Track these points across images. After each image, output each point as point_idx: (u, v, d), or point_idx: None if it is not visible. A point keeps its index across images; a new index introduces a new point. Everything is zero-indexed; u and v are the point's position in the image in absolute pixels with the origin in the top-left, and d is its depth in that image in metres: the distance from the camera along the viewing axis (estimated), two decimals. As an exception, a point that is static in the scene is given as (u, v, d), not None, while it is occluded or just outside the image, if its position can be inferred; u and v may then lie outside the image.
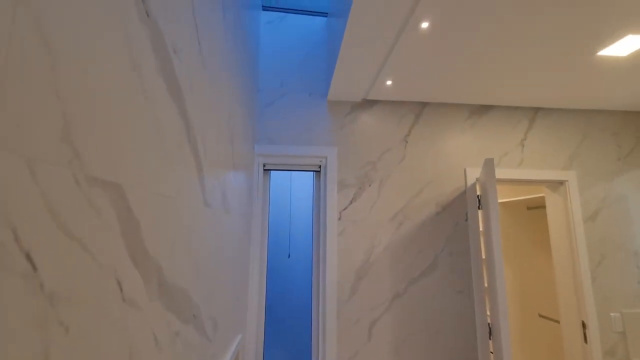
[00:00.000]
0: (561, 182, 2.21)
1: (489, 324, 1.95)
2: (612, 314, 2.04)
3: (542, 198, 2.74)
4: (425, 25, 1.38)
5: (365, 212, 2.03)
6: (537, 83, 1.91)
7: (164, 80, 0.58)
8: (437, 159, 2.14)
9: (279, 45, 2.18)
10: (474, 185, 2.11)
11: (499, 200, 3.15)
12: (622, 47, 1.50)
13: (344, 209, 2.02)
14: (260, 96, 2.09)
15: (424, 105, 2.21)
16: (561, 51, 1.56)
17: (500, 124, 2.24)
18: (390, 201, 2.05)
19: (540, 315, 2.88)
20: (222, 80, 1.07)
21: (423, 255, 2.02)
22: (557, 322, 2.71)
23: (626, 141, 2.30)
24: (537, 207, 2.98)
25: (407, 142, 2.14)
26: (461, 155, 2.16)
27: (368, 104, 2.16)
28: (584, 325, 2.03)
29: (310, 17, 2.24)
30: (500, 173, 2.15)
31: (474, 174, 2.13)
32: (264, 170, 2.08)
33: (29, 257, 0.29)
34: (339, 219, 2.00)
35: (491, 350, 1.90)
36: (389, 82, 1.92)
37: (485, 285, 2.09)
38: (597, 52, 1.56)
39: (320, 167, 2.11)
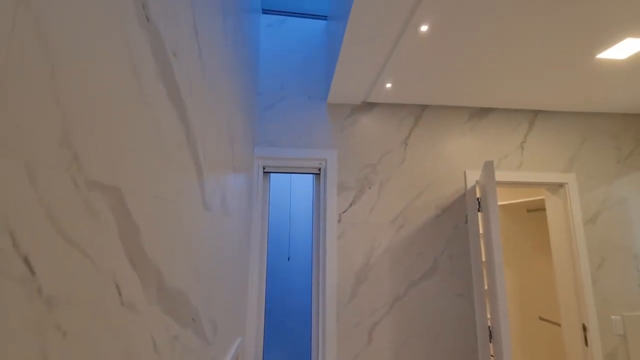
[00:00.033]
0: (561, 185, 2.22)
1: (489, 327, 1.94)
2: (612, 316, 2.03)
3: (542, 200, 2.73)
4: (424, 28, 1.38)
5: (365, 214, 2.03)
6: (536, 86, 1.92)
7: (163, 85, 0.58)
8: (437, 161, 2.14)
9: (279, 49, 2.18)
10: (473, 187, 2.11)
11: (499, 203, 3.14)
12: (621, 50, 1.51)
13: (343, 212, 2.02)
14: (260, 99, 2.10)
15: (423, 107, 2.21)
16: (560, 54, 1.57)
17: (500, 126, 2.24)
18: (390, 204, 2.05)
19: (541, 318, 2.87)
20: (222, 84, 1.07)
21: (423, 258, 2.02)
22: (558, 324, 2.70)
23: (626, 144, 2.30)
24: (537, 209, 2.98)
25: (407, 144, 2.14)
26: (461, 158, 2.16)
27: (368, 106, 2.17)
28: (584, 328, 2.02)
29: (310, 20, 2.25)
30: (500, 175, 2.15)
31: (473, 176, 2.13)
32: (264, 172, 2.08)
33: (27, 262, 0.29)
34: (339, 221, 2.00)
35: (492, 353, 1.90)
36: (388, 85, 1.92)
37: (486, 287, 2.08)
38: (595, 55, 1.56)
39: (320, 169, 2.11)
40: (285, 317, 3.00)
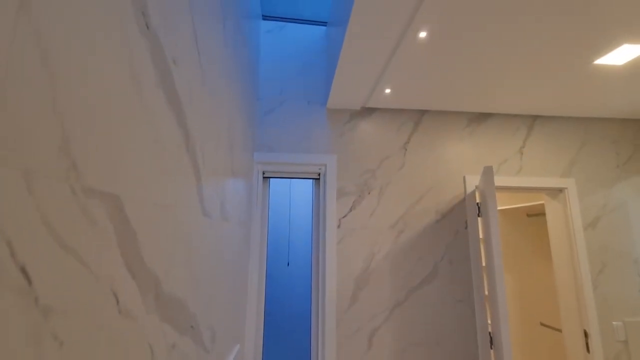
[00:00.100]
0: (560, 190, 2.22)
1: (490, 332, 1.93)
2: (614, 322, 2.02)
3: (542, 205, 2.73)
4: (423, 34, 1.39)
5: (364, 219, 2.02)
6: (535, 91, 1.93)
7: (163, 92, 0.58)
8: (436, 166, 2.14)
9: (279, 54, 2.20)
10: (473, 192, 2.11)
11: (499, 208, 3.14)
12: (618, 56, 1.52)
13: (343, 217, 2.01)
14: (260, 104, 2.11)
15: (423, 112, 2.22)
16: (558, 60, 1.58)
17: (499, 131, 2.25)
18: (389, 209, 2.05)
19: (542, 324, 2.86)
20: (221, 90, 1.08)
21: (423, 263, 2.01)
22: (559, 330, 2.68)
23: (624, 148, 2.31)
24: (537, 214, 2.97)
25: (406, 149, 2.14)
26: (460, 163, 2.17)
27: (367, 111, 2.18)
28: (586, 335, 2.01)
29: (310, 26, 2.27)
30: (499, 181, 2.15)
31: (473, 181, 2.13)
32: (263, 178, 2.08)
33: (24, 271, 0.29)
34: (339, 226, 2.00)
35: (492, 359, 1.88)
36: (387, 90, 1.93)
37: (486, 293, 2.07)
38: (593, 61, 1.57)
39: (319, 174, 2.11)
40: (284, 322, 2.98)
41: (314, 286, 2.04)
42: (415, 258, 2.01)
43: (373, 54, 1.55)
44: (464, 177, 2.14)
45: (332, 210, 2.00)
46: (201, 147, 0.84)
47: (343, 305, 1.91)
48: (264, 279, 1.98)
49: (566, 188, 2.19)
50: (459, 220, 2.08)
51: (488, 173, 1.76)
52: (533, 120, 2.29)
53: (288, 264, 3.06)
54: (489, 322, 1.97)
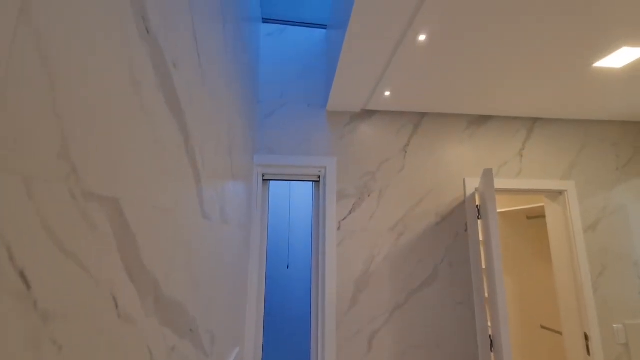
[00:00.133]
0: (560, 192, 2.22)
1: (490, 335, 1.92)
2: (614, 325, 2.02)
3: (542, 207, 2.73)
4: (422, 37, 1.40)
5: (364, 222, 2.02)
6: (534, 93, 1.93)
7: (163, 95, 0.58)
8: (436, 169, 2.14)
9: (279, 57, 2.20)
10: (473, 195, 2.11)
11: (499, 210, 3.14)
12: (617, 59, 1.52)
13: (343, 219, 2.01)
14: (260, 107, 2.11)
15: (422, 115, 2.22)
16: (557, 62, 1.58)
17: (499, 134, 2.25)
18: (389, 211, 2.05)
19: (542, 327, 2.85)
20: (221, 92, 1.08)
21: (423, 265, 2.01)
22: (559, 333, 2.67)
23: (624, 151, 2.31)
24: (537, 216, 2.97)
25: (406, 152, 2.15)
26: (460, 165, 2.17)
27: (367, 114, 2.18)
28: (586, 337, 2.00)
29: (310, 29, 2.28)
30: (499, 183, 2.16)
31: (473, 184, 2.13)
32: (263, 180, 2.08)
33: (22, 276, 0.29)
34: (338, 229, 2.00)
35: (493, 363, 1.88)
36: (387, 93, 1.93)
37: (486, 295, 2.07)
38: (592, 63, 1.58)
39: (319, 177, 2.11)
40: (284, 325, 2.98)
41: (314, 289, 2.03)
42: (415, 260, 2.01)
43: (373, 57, 1.55)
44: (464, 180, 2.14)
45: (332, 213, 2.00)
46: (201, 149, 0.85)
47: (343, 307, 1.91)
48: (264, 281, 1.98)
49: (566, 190, 2.19)
50: (459, 222, 2.08)
51: (488, 175, 1.76)
52: (533, 122, 2.29)
53: (288, 267, 3.06)
54: (489, 324, 1.96)
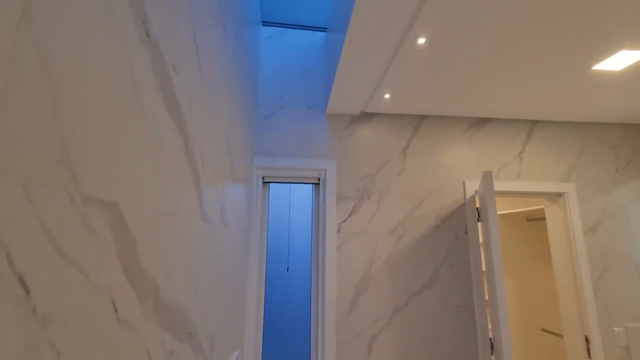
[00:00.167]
0: (560, 194, 2.22)
1: (490, 338, 1.92)
2: (615, 328, 2.01)
3: (542, 210, 2.73)
4: (422, 40, 1.40)
5: (364, 224, 2.02)
6: (533, 96, 1.93)
7: (163, 99, 0.59)
8: (436, 171, 2.14)
9: (279, 60, 2.21)
10: (473, 197, 2.11)
11: (499, 212, 3.14)
12: (616, 62, 1.53)
13: (343, 222, 2.01)
14: (260, 109, 2.11)
15: (422, 118, 2.22)
16: (556, 65, 1.59)
17: (498, 136, 2.25)
18: (389, 214, 2.05)
19: (543, 330, 2.84)
20: (221, 95, 1.08)
21: (423, 268, 2.00)
22: (560, 336, 2.67)
23: (624, 153, 2.31)
24: (537, 218, 2.97)
25: (405, 154, 2.15)
26: (460, 168, 2.17)
27: (367, 116, 2.18)
28: (587, 340, 2.00)
29: (310, 32, 2.28)
30: (499, 185, 2.15)
31: (473, 186, 2.13)
32: (263, 182, 2.08)
33: (21, 280, 0.29)
34: (338, 231, 2.00)
35: (493, 366, 1.87)
36: (387, 96, 1.94)
37: (486, 298, 2.07)
38: (591, 66, 1.58)
39: (319, 179, 2.11)
40: (284, 328, 2.97)
41: (314, 291, 2.03)
42: (415, 263, 2.00)
43: (372, 59, 1.55)
44: (464, 182, 2.14)
45: (332, 215, 2.00)
46: (201, 153, 0.85)
47: (343, 310, 1.90)
48: (264, 284, 1.97)
49: (566, 193, 2.19)
50: (459, 225, 2.08)
51: (487, 178, 1.76)
52: (532, 125, 2.30)
53: (287, 269, 3.05)
54: (490, 327, 1.96)
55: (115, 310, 0.44)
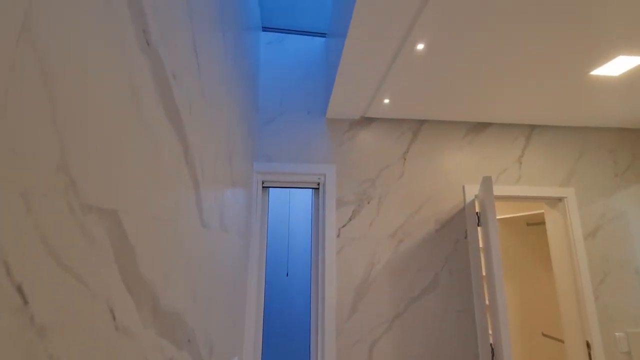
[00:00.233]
0: (560, 199, 2.22)
1: (491, 344, 1.91)
2: (616, 333, 2.00)
3: (542, 214, 2.73)
4: (421, 46, 1.41)
5: (364, 229, 2.02)
6: (532, 101, 1.94)
7: (163, 106, 0.59)
8: (435, 176, 2.15)
9: (279, 65, 2.22)
10: (472, 202, 2.11)
11: (499, 217, 3.14)
12: (614, 67, 1.54)
13: (342, 226, 2.01)
14: (259, 114, 2.12)
15: (421, 122, 2.23)
16: (555, 71, 1.60)
17: (498, 141, 2.26)
18: (389, 218, 2.05)
19: (544, 335, 2.83)
20: (221, 101, 1.09)
21: (423, 273, 2.00)
22: (561, 341, 2.65)
23: (623, 158, 2.32)
24: (537, 223, 2.97)
25: (405, 159, 2.15)
26: (459, 172, 2.17)
27: (366, 121, 2.19)
28: (588, 346, 1.99)
29: (309, 37, 2.30)
30: (498, 190, 2.16)
31: (472, 190, 2.13)
32: (263, 187, 2.08)
33: (20, 290, 0.29)
34: (338, 236, 1.99)
35: (494, 371, 1.86)
36: (386, 101, 1.94)
37: (487, 303, 2.06)
38: (589, 71, 1.59)
39: (319, 184, 2.11)
40: (284, 333, 2.95)
41: (314, 297, 2.02)
42: (415, 268, 2.00)
43: (372, 65, 1.56)
44: (463, 187, 2.14)
45: (332, 220, 2.00)
46: (200, 159, 0.85)
47: (343, 315, 1.89)
48: (263, 289, 1.97)
49: (565, 197, 2.19)
50: (459, 229, 2.08)
51: (487, 183, 1.77)
52: (531, 129, 2.30)
53: (287, 274, 3.04)
54: (490, 332, 1.95)
55: (114, 318, 0.44)
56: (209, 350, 0.97)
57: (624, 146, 2.34)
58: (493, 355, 1.87)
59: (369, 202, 2.06)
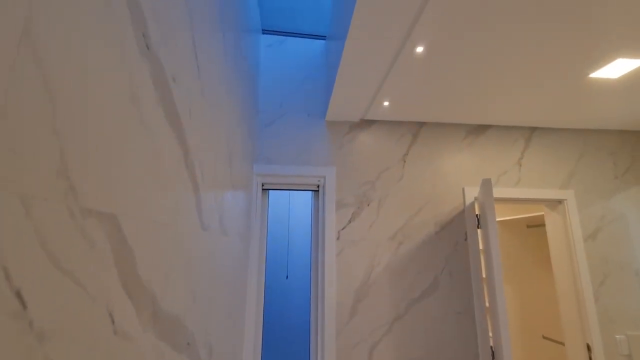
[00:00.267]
0: (559, 201, 2.22)
1: (491, 346, 1.90)
2: (617, 336, 2.00)
3: (542, 216, 2.73)
4: (420, 49, 1.41)
5: (364, 231, 2.02)
6: (532, 103, 1.95)
7: (163, 109, 0.59)
8: (435, 178, 2.15)
9: (279, 68, 2.22)
10: (472, 204, 2.11)
11: (499, 219, 3.14)
12: (613, 70, 1.54)
13: (342, 229, 2.01)
14: (259, 117, 2.12)
15: (421, 125, 2.23)
16: (554, 73, 1.60)
17: (497, 143, 2.26)
18: (389, 221, 2.05)
19: (544, 337, 2.82)
20: (221, 103, 1.09)
21: (423, 275, 1.99)
22: (562, 344, 2.64)
23: (622, 160, 2.32)
24: (537, 225, 2.97)
25: (405, 161, 2.15)
26: (459, 175, 2.17)
27: (366, 123, 2.19)
28: (589, 348, 1.98)
29: (309, 40, 2.30)
30: (498, 192, 2.16)
31: (472, 193, 2.13)
32: (263, 189, 2.08)
33: (19, 295, 0.29)
34: (338, 238, 1.99)
35: (495, 374, 1.85)
36: (386, 103, 1.95)
37: (487, 305, 2.05)
38: (588, 74, 1.59)
39: (318, 186, 2.11)
40: (283, 336, 2.94)
41: (313, 299, 2.02)
42: (415, 270, 2.00)
43: (371, 68, 1.57)
44: (463, 189, 2.14)
45: (331, 222, 2.00)
46: (200, 161, 0.85)
47: (343, 318, 1.89)
48: (263, 292, 1.96)
49: (565, 199, 2.19)
50: (459, 231, 2.08)
51: (487, 185, 1.77)
52: (531, 132, 2.31)
53: (287, 277, 3.04)
54: (490, 334, 1.94)
55: (113, 322, 0.44)
56: (208, 353, 0.97)
57: (624, 148, 2.34)
58: (493, 357, 1.86)
59: (368, 205, 2.06)
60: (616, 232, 2.17)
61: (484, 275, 2.14)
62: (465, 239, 2.07)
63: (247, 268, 1.85)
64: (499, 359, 1.65)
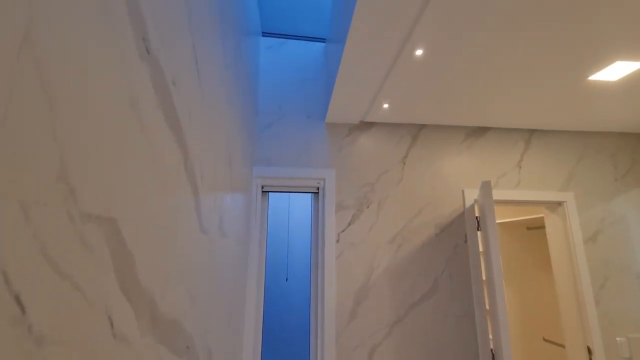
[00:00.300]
0: (559, 203, 2.22)
1: (491, 349, 1.90)
2: (618, 338, 1.99)
3: (542, 218, 2.73)
4: (419, 52, 1.42)
5: (363, 234, 2.01)
6: (531, 105, 1.95)
7: (162, 113, 0.59)
8: (435, 180, 2.15)
9: (279, 70, 2.23)
10: (472, 206, 2.11)
11: (498, 221, 3.13)
12: (612, 73, 1.54)
13: (342, 231, 2.01)
14: (259, 119, 2.13)
15: (420, 127, 2.24)
16: (553, 75, 1.60)
17: (497, 145, 2.26)
18: (388, 223, 2.04)
19: (545, 340, 2.81)
20: (221, 106, 1.09)
21: (423, 278, 1.99)
22: (562, 346, 2.64)
23: (622, 162, 2.32)
24: (537, 227, 2.96)
25: (404, 163, 2.15)
26: (459, 177, 2.17)
27: (366, 126, 2.19)
28: (589, 351, 1.98)
29: (309, 42, 2.31)
30: (498, 194, 2.16)
31: (472, 195, 2.13)
32: (262, 192, 2.08)
33: (18, 300, 0.29)
34: (337, 241, 1.99)
35: (495, 377, 1.84)
36: (385, 105, 1.95)
37: (487, 307, 2.05)
38: (588, 76, 1.60)
39: (318, 188, 2.11)
40: (283, 339, 2.93)
41: (313, 302, 2.01)
42: (415, 272, 1.99)
43: (371, 70, 1.57)
44: (463, 191, 2.14)
45: (331, 225, 2.00)
46: (200, 165, 0.85)
47: (342, 321, 1.89)
48: (262, 295, 1.96)
49: (565, 202, 2.19)
50: (459, 234, 2.07)
51: (486, 187, 1.77)
52: (530, 134, 2.31)
53: (287, 279, 3.03)
54: (491, 337, 1.94)
55: (112, 326, 0.44)
56: (207, 356, 0.97)
57: (624, 150, 2.34)
58: (493, 359, 1.86)
59: (368, 207, 2.06)
60: (616, 235, 2.17)
61: (484, 278, 2.13)
62: (465, 241, 2.06)
63: (247, 270, 1.85)
64: (499, 362, 1.64)
